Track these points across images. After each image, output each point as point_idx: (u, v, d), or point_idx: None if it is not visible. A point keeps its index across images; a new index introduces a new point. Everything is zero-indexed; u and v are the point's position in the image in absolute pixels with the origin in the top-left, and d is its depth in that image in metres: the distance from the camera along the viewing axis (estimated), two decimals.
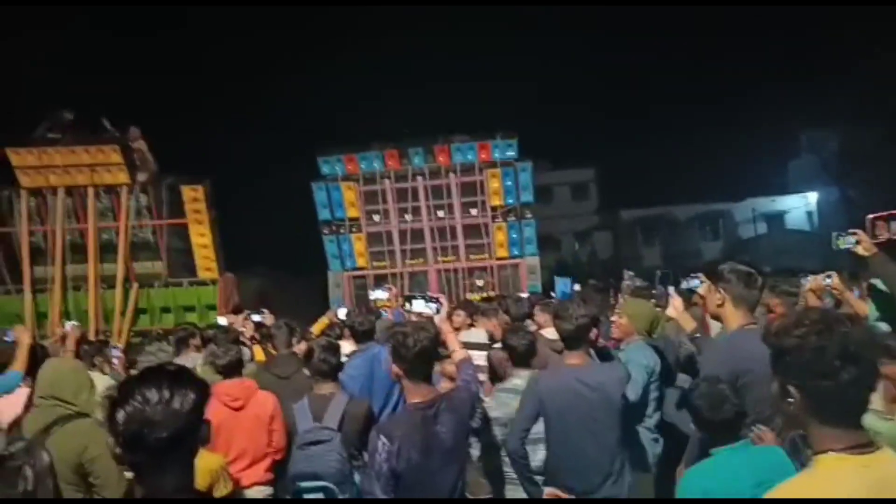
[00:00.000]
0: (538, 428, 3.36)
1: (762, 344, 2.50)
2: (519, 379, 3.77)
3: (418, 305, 3.35)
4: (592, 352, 3.45)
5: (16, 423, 3.30)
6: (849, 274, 5.79)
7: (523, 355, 3.87)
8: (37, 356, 4.40)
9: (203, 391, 1.60)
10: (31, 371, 3.80)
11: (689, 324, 3.55)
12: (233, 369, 4.18)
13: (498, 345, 5.03)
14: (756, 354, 2.78)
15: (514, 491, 3.60)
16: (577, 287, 9.81)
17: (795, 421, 1.56)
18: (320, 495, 3.39)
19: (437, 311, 3.31)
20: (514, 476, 3.52)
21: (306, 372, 4.09)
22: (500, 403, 3.76)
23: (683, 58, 43.71)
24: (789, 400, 1.51)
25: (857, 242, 3.82)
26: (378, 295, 5.94)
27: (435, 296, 3.41)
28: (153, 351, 4.64)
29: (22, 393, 4.05)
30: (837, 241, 3.93)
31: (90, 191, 10.06)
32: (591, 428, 3.14)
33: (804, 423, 1.51)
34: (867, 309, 4.13)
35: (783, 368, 1.53)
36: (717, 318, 3.04)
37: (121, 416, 1.49)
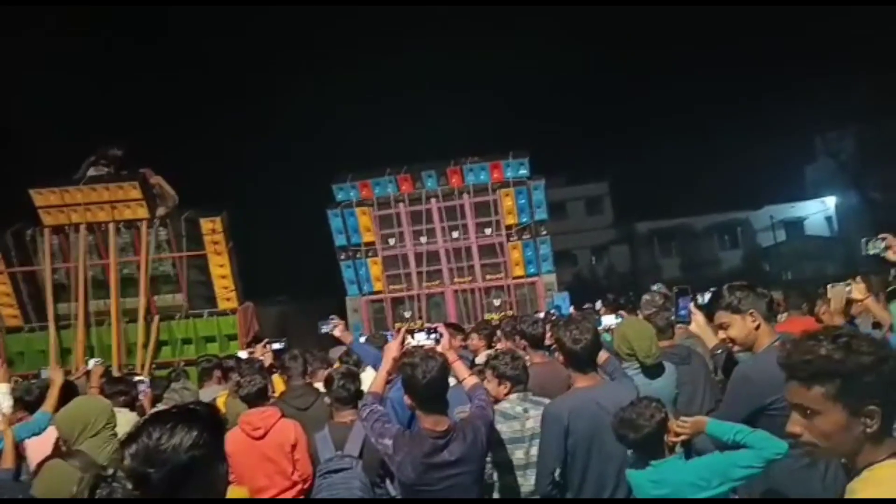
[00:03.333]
0: (532, 453, 3.36)
1: None
2: (508, 403, 3.65)
3: (420, 338, 3.41)
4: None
5: (73, 453, 3.35)
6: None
7: (514, 379, 3.70)
8: (69, 394, 4.47)
9: (211, 429, 1.61)
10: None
11: (711, 340, 3.47)
12: (255, 398, 4.23)
13: None
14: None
15: None
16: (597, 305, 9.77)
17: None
18: None
19: (437, 342, 3.35)
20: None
21: (327, 400, 4.12)
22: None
23: (693, 67, 43.73)
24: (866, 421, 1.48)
25: (888, 248, 3.78)
26: (326, 329, 6.02)
27: (433, 326, 3.45)
28: (177, 388, 4.70)
29: (52, 433, 4.11)
30: (867, 246, 3.90)
31: (111, 227, 10.23)
32: (611, 451, 3.07)
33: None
34: (889, 317, 4.06)
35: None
36: (749, 347, 2.98)
37: (126, 454, 1.53)
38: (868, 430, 1.46)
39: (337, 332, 5.65)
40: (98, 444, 3.31)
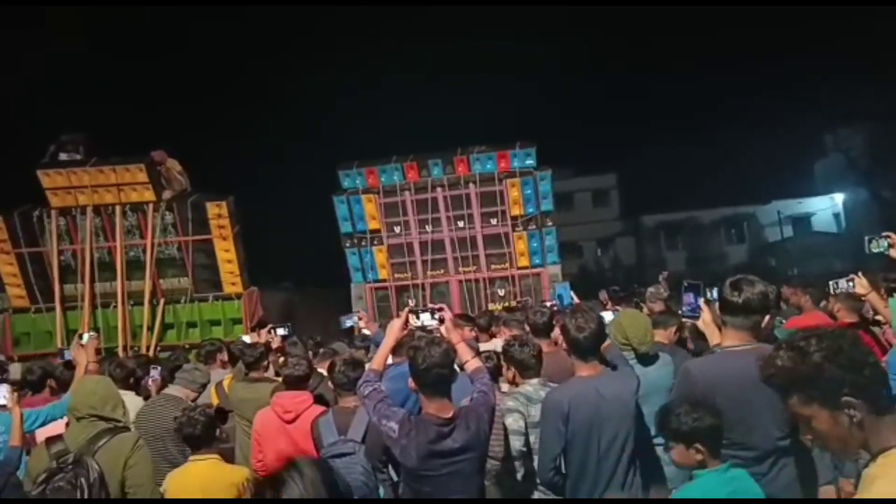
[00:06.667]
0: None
1: (736, 368, 2.48)
2: (531, 387, 3.68)
3: (424, 318, 3.35)
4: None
5: (54, 439, 3.36)
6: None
7: (532, 366, 3.75)
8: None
9: None
10: None
11: (715, 336, 3.42)
12: (296, 382, 4.29)
13: None
14: (724, 379, 2.72)
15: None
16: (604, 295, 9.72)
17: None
18: None
19: (441, 323, 3.31)
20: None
21: (331, 385, 4.14)
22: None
23: (704, 59, 43.36)
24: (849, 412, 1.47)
25: (891, 246, 3.77)
26: (349, 323, 5.95)
27: (438, 307, 3.40)
28: (188, 370, 4.74)
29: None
30: (870, 244, 3.90)
31: (118, 209, 10.29)
32: (609, 440, 3.08)
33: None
34: (889, 313, 4.04)
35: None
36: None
37: None
38: (854, 419, 1.46)
39: (361, 325, 5.61)
40: (79, 430, 3.28)
